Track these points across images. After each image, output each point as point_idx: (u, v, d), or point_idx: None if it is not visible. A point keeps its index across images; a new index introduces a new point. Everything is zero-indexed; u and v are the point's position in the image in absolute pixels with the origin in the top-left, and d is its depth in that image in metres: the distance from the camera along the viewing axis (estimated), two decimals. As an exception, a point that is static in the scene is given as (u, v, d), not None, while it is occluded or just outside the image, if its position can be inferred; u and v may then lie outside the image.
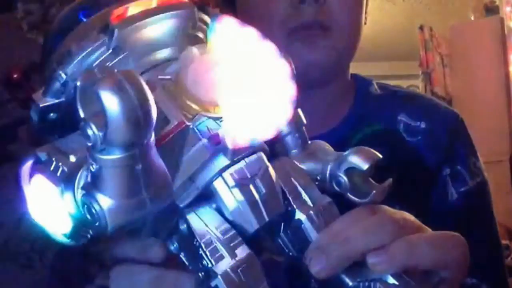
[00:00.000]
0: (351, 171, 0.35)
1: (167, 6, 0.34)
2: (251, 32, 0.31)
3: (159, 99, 0.31)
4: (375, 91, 0.74)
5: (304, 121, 0.39)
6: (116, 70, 0.27)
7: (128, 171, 0.28)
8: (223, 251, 0.31)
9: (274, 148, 0.37)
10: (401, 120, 0.71)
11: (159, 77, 0.33)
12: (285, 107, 0.31)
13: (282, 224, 0.35)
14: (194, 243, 0.32)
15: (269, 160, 0.34)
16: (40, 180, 0.31)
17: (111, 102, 0.26)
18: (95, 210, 0.29)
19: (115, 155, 0.27)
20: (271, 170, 0.34)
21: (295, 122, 0.38)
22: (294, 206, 0.34)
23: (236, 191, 0.32)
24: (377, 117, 0.70)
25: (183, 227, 0.33)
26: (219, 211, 0.33)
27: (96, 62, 0.33)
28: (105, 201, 0.28)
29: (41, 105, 0.33)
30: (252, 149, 0.33)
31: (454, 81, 3.02)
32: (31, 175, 0.31)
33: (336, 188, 0.36)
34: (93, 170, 0.28)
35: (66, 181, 0.30)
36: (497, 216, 0.72)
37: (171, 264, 0.36)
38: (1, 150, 0.58)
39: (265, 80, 0.31)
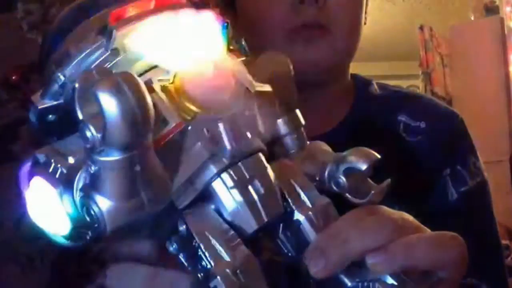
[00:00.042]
0: (350, 171, 0.35)
1: (166, 7, 0.34)
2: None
3: (157, 101, 0.31)
4: (375, 91, 0.74)
5: (303, 122, 0.39)
6: (114, 72, 0.27)
7: (127, 173, 0.28)
8: (222, 252, 0.31)
9: (272, 149, 0.37)
10: (401, 120, 0.71)
11: (158, 78, 0.33)
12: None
13: (281, 225, 0.35)
14: (193, 244, 0.32)
15: (267, 161, 0.34)
16: (39, 182, 0.31)
17: (109, 104, 0.26)
18: (94, 212, 0.29)
19: (114, 157, 0.27)
20: (270, 171, 0.34)
21: (293, 123, 0.38)
22: (293, 206, 0.34)
23: (235, 192, 0.32)
24: (377, 117, 0.71)
25: (182, 228, 0.33)
26: (218, 212, 0.33)
27: (95, 64, 0.33)
28: (103, 203, 0.28)
29: (39, 107, 0.33)
30: (250, 150, 0.33)
31: (454, 81, 3.02)
32: (30, 177, 0.31)
33: (335, 188, 0.36)
34: (91, 171, 0.28)
35: (65, 182, 0.30)
36: (497, 216, 0.72)
37: (168, 263, 0.36)
38: (1, 150, 0.58)
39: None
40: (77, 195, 0.30)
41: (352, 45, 0.69)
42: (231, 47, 0.37)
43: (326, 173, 0.36)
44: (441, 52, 3.14)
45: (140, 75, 0.33)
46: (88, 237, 0.31)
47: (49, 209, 0.31)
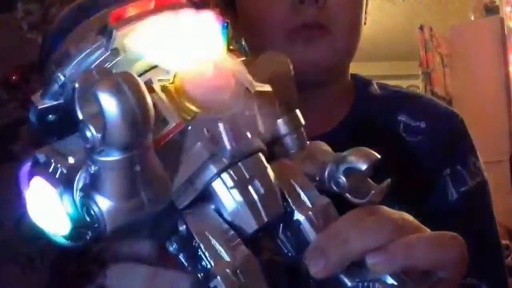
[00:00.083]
0: (350, 171, 0.35)
1: (165, 7, 0.34)
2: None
3: (157, 101, 0.31)
4: (375, 91, 0.74)
5: (303, 122, 0.39)
6: (114, 72, 0.27)
7: (127, 173, 0.28)
8: (222, 252, 0.31)
9: (272, 149, 0.37)
10: (401, 120, 0.71)
11: (158, 78, 0.33)
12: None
13: (281, 225, 0.35)
14: (193, 244, 0.32)
15: (267, 161, 0.34)
16: (39, 182, 0.31)
17: (109, 104, 0.26)
18: (94, 212, 0.29)
19: (114, 157, 0.27)
20: (270, 171, 0.34)
21: (293, 123, 0.38)
22: (293, 206, 0.34)
23: (235, 192, 0.32)
24: (377, 117, 0.71)
25: (182, 228, 0.33)
26: (218, 212, 0.33)
27: (95, 64, 0.33)
28: (103, 203, 0.28)
29: (39, 107, 0.33)
30: (250, 150, 0.33)
31: (454, 81, 3.02)
32: (30, 177, 0.31)
33: (335, 188, 0.36)
34: (91, 171, 0.28)
35: (65, 182, 0.30)
36: (497, 216, 0.72)
37: (168, 263, 0.36)
38: (1, 150, 0.58)
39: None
40: (77, 195, 0.30)
41: (352, 45, 0.69)
42: (231, 47, 0.37)
43: (326, 173, 0.36)
44: (441, 52, 3.14)
45: (140, 75, 0.33)
46: (88, 237, 0.31)
47: (49, 209, 0.31)
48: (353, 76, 0.75)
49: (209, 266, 0.31)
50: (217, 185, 0.33)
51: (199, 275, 0.32)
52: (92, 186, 0.29)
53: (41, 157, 0.31)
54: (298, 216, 0.34)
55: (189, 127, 0.32)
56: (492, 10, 2.98)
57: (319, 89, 0.68)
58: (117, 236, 0.30)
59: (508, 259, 2.03)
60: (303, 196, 0.35)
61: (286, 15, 0.64)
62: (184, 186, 0.32)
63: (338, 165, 0.36)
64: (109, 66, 0.32)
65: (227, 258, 0.31)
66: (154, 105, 0.28)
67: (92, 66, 0.32)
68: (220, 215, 0.33)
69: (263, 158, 0.34)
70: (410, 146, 0.69)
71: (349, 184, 0.35)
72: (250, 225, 0.33)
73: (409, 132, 0.70)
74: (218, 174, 0.32)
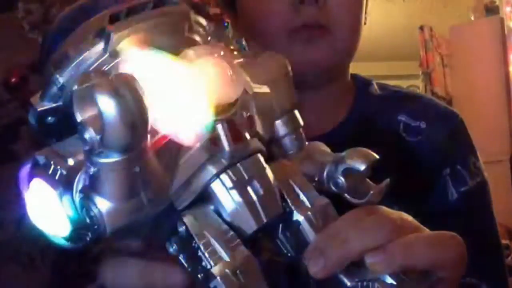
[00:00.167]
0: (348, 172, 0.35)
1: (163, 9, 0.34)
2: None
3: None
4: (375, 91, 0.74)
5: (301, 122, 0.39)
6: (112, 74, 0.27)
7: (126, 174, 0.28)
8: (221, 252, 0.31)
9: (271, 149, 0.37)
10: (401, 120, 0.71)
11: None
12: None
13: (280, 225, 0.35)
14: (193, 245, 0.32)
15: (266, 162, 0.34)
16: (38, 183, 0.31)
17: (107, 106, 0.26)
18: (94, 213, 0.29)
19: (113, 158, 0.27)
20: (269, 172, 0.34)
21: (292, 123, 0.38)
22: (292, 207, 0.35)
23: (234, 192, 0.32)
24: (377, 117, 0.71)
25: (181, 229, 0.33)
26: (217, 212, 0.33)
27: (93, 66, 0.33)
28: (103, 204, 0.28)
29: (38, 109, 0.34)
30: (249, 151, 0.33)
31: (454, 81, 3.02)
32: (29, 179, 0.31)
33: (334, 189, 0.36)
34: (90, 173, 0.28)
35: (65, 184, 0.30)
36: (497, 216, 0.72)
37: (161, 257, 0.36)
38: (2, 150, 0.58)
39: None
40: (77, 197, 0.30)
41: (352, 45, 0.69)
42: (231, 47, 0.37)
43: (325, 173, 0.36)
44: (441, 52, 3.15)
45: None
46: (88, 239, 0.31)
47: (49, 210, 0.31)
48: (353, 76, 0.75)
49: (208, 266, 0.31)
50: (216, 186, 0.33)
51: (199, 276, 0.32)
52: (92, 187, 0.29)
53: (41, 159, 0.31)
54: (297, 216, 0.34)
55: None
56: (492, 10, 2.99)
57: (319, 89, 0.68)
58: (117, 237, 0.31)
59: (508, 259, 2.04)
60: (302, 197, 0.35)
61: (286, 15, 0.64)
62: (183, 187, 0.32)
63: (337, 166, 0.36)
64: (107, 68, 0.33)
65: (226, 258, 0.31)
66: None
67: (91, 69, 0.32)
68: (220, 216, 0.33)
69: (262, 159, 0.34)
70: (410, 146, 0.70)
71: (348, 185, 0.35)
72: (250, 225, 0.33)
73: (409, 132, 0.70)
74: (217, 175, 0.32)
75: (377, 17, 3.41)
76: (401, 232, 0.35)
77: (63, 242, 0.32)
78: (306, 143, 0.39)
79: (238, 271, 0.31)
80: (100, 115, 0.26)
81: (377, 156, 0.35)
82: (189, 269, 0.33)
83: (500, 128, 2.71)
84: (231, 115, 0.33)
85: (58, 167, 0.30)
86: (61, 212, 0.30)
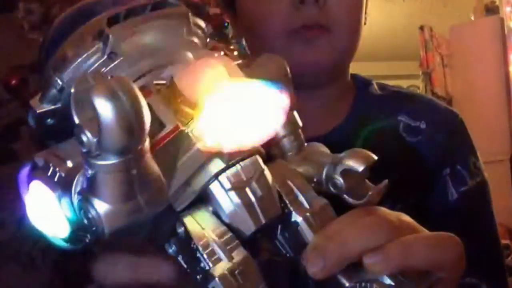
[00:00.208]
0: (347, 172, 0.35)
1: (161, 11, 0.35)
2: None
3: (154, 104, 0.31)
4: (375, 91, 0.74)
5: (300, 123, 0.39)
6: (109, 77, 0.27)
7: (123, 176, 0.28)
8: (220, 253, 0.31)
9: (270, 151, 0.37)
10: (401, 120, 0.71)
11: (154, 82, 0.33)
12: (276, 114, 0.31)
13: (279, 226, 0.35)
14: (192, 246, 0.32)
15: (265, 163, 0.34)
16: (37, 185, 0.31)
17: (104, 109, 0.26)
18: (92, 215, 0.29)
19: (110, 161, 0.27)
20: (267, 173, 0.34)
21: (291, 125, 0.38)
22: (291, 208, 0.35)
23: (232, 194, 0.33)
24: (377, 117, 0.71)
25: (180, 230, 0.33)
26: (216, 214, 0.33)
27: (92, 68, 0.33)
28: (101, 206, 0.28)
29: (38, 111, 0.34)
30: (248, 153, 0.33)
31: (454, 81, 3.02)
32: (29, 181, 0.31)
33: (333, 189, 0.36)
34: (88, 175, 0.28)
35: (63, 186, 0.30)
36: (497, 216, 0.72)
37: (150, 250, 0.36)
38: (3, 150, 0.58)
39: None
40: (75, 199, 0.30)
41: (352, 45, 0.69)
42: (231, 47, 0.37)
43: (324, 174, 0.36)
44: (441, 52, 3.15)
45: (137, 79, 0.33)
46: (87, 240, 0.31)
47: (48, 212, 0.31)
48: (353, 76, 0.75)
49: (207, 267, 0.31)
50: (214, 187, 0.33)
51: (197, 277, 0.32)
52: (90, 189, 0.29)
53: (40, 161, 0.31)
54: (295, 217, 0.34)
55: (186, 130, 0.32)
56: (492, 10, 2.99)
57: (319, 89, 0.68)
58: (116, 238, 0.31)
59: (508, 259, 2.04)
60: (300, 198, 0.35)
61: (286, 15, 0.64)
62: (182, 188, 0.32)
63: (335, 166, 0.36)
64: (106, 70, 0.33)
65: (225, 259, 0.31)
66: (151, 108, 0.28)
67: (89, 71, 0.32)
68: (218, 217, 0.33)
69: (260, 160, 0.34)
70: (410, 146, 0.70)
71: (346, 185, 0.35)
72: (248, 226, 0.33)
73: (409, 132, 0.70)
74: (216, 177, 0.33)
75: (377, 17, 3.41)
76: (399, 233, 0.35)
77: (62, 244, 0.32)
78: (305, 144, 0.39)
79: (236, 272, 0.31)
80: (97, 118, 0.26)
81: (376, 157, 0.35)
82: (188, 270, 0.33)
83: (500, 128, 2.71)
84: None
85: (57, 169, 0.30)
86: (60, 214, 0.30)
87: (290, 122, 0.38)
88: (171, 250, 0.34)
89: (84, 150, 0.27)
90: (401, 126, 0.71)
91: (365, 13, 0.71)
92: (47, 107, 0.34)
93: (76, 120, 0.29)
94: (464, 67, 2.91)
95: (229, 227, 0.33)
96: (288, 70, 0.38)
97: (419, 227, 0.37)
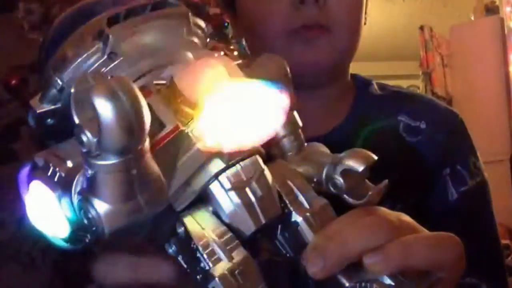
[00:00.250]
0: (347, 172, 0.35)
1: (161, 11, 0.35)
2: None
3: (154, 104, 0.31)
4: (375, 91, 0.74)
5: (300, 124, 0.39)
6: (109, 77, 0.27)
7: (123, 176, 0.28)
8: (220, 253, 0.31)
9: (270, 151, 0.37)
10: (401, 120, 0.71)
11: (154, 82, 0.33)
12: (276, 114, 0.31)
13: (279, 226, 0.35)
14: (192, 246, 0.32)
15: (265, 163, 0.34)
16: (37, 185, 0.31)
17: (104, 109, 0.26)
18: (92, 215, 0.29)
19: (110, 161, 0.27)
20: (267, 173, 0.34)
21: (291, 125, 0.38)
22: (291, 208, 0.35)
23: (232, 194, 0.33)
24: (377, 117, 0.71)
25: (180, 230, 0.33)
26: (216, 214, 0.33)
27: (92, 68, 0.33)
28: (101, 206, 0.28)
29: (38, 111, 0.34)
30: (248, 153, 0.33)
31: (454, 81, 3.02)
32: (29, 181, 0.32)
33: (333, 190, 0.36)
34: (88, 175, 0.28)
35: (63, 186, 0.30)
36: (497, 216, 0.72)
37: (149, 250, 0.36)
38: (3, 150, 0.58)
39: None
40: (75, 199, 0.30)
41: (352, 45, 0.69)
42: (231, 47, 0.37)
43: (324, 174, 0.36)
44: (441, 52, 3.15)
45: (137, 79, 0.33)
46: (87, 240, 0.31)
47: (48, 212, 0.31)
48: (353, 76, 0.75)
49: (207, 267, 0.31)
50: (214, 187, 0.33)
51: (197, 277, 0.32)
52: (89, 189, 0.29)
53: (40, 161, 0.31)
54: (295, 217, 0.34)
55: (186, 130, 0.32)
56: (492, 10, 2.99)
57: (319, 89, 0.69)
58: (116, 238, 0.31)
59: (508, 259, 2.04)
60: (300, 198, 0.35)
61: (286, 15, 0.64)
62: (182, 188, 0.32)
63: (335, 167, 0.36)
64: (106, 70, 0.33)
65: (225, 259, 0.31)
66: (151, 108, 0.28)
67: (89, 71, 0.32)
68: (218, 217, 0.33)
69: (260, 160, 0.34)
70: (410, 146, 0.70)
71: (346, 185, 0.35)
72: (248, 227, 0.33)
73: (409, 132, 0.70)
74: (216, 177, 0.33)
75: (377, 17, 3.42)
76: (399, 233, 0.35)
77: (62, 244, 0.32)
78: (305, 144, 0.39)
79: (236, 272, 0.31)
80: (97, 118, 0.26)
81: (376, 157, 0.35)
82: (188, 270, 0.33)
83: (500, 128, 2.71)
84: None
85: (57, 169, 0.30)
86: (60, 214, 0.31)
87: (290, 122, 0.38)
88: (171, 250, 0.34)
89: (84, 150, 0.27)
90: (401, 126, 0.71)
91: (365, 13, 0.71)
92: (47, 107, 0.34)
93: (76, 120, 0.29)
94: (464, 67, 2.91)
95: (229, 227, 0.33)
96: (288, 70, 0.38)
97: (419, 227, 0.37)
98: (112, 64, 0.33)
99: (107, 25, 0.33)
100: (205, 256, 0.31)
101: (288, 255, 0.36)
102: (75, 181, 0.30)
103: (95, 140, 0.26)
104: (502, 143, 2.68)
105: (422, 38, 3.13)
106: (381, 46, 3.84)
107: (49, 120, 0.34)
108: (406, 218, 0.37)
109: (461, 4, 3.32)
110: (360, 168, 0.35)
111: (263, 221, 0.33)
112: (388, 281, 0.33)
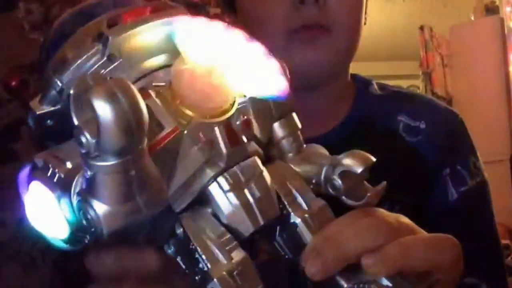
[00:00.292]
0: (346, 174, 0.35)
1: (161, 13, 0.35)
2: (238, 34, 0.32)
3: (153, 106, 0.31)
4: (375, 91, 0.74)
5: (299, 125, 0.39)
6: (108, 78, 0.27)
7: (122, 177, 0.28)
8: (218, 254, 0.32)
9: (269, 152, 0.37)
10: (401, 120, 0.71)
11: (154, 83, 0.33)
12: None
13: (278, 227, 0.35)
14: (190, 247, 0.32)
15: (264, 164, 0.35)
16: (37, 186, 0.31)
17: (103, 110, 0.26)
18: (91, 216, 0.29)
19: (109, 162, 0.27)
20: (266, 174, 0.34)
21: (290, 126, 0.38)
22: (289, 209, 0.35)
23: (231, 195, 0.33)
24: (377, 117, 0.71)
25: (179, 231, 0.33)
26: (215, 215, 0.33)
27: (91, 70, 0.33)
28: (99, 207, 0.29)
29: (37, 113, 0.34)
30: (246, 154, 0.33)
31: (454, 81, 3.02)
32: (28, 182, 0.32)
33: (331, 191, 0.36)
34: (87, 176, 0.28)
35: (63, 187, 0.30)
36: (497, 216, 0.72)
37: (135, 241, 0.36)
38: (3, 150, 0.58)
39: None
40: (74, 199, 0.30)
41: (352, 45, 0.69)
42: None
43: (322, 175, 0.36)
44: (441, 52, 3.15)
45: (136, 80, 0.33)
46: (86, 241, 0.31)
47: (47, 213, 0.31)
48: (353, 76, 0.75)
49: (206, 268, 0.31)
50: (213, 188, 0.33)
51: (196, 278, 0.32)
52: (89, 190, 0.29)
53: (39, 162, 0.31)
54: (294, 218, 0.35)
55: (185, 132, 0.32)
56: (492, 10, 2.99)
57: (319, 89, 0.69)
58: (115, 239, 0.31)
59: (508, 259, 2.04)
60: (299, 199, 0.35)
61: (286, 15, 0.64)
62: (181, 189, 0.32)
63: (334, 168, 0.36)
64: (105, 72, 0.33)
65: (223, 260, 0.31)
66: (150, 110, 0.28)
67: (89, 72, 0.33)
68: (217, 218, 0.33)
69: (259, 162, 0.34)
70: (410, 146, 0.70)
71: (345, 187, 0.35)
72: (247, 228, 0.33)
73: (409, 132, 0.70)
74: (214, 178, 0.33)
75: (377, 17, 3.42)
76: (397, 234, 0.35)
77: (62, 244, 0.32)
78: (304, 145, 0.39)
79: (235, 273, 0.31)
80: (96, 119, 0.26)
81: (374, 159, 0.35)
82: (187, 271, 0.33)
83: (500, 128, 2.71)
84: (228, 119, 0.33)
85: (56, 170, 0.31)
86: (59, 214, 0.31)
87: (289, 123, 0.38)
88: (170, 251, 0.34)
89: (83, 151, 0.27)
90: (401, 126, 0.71)
91: (365, 13, 0.71)
92: (46, 108, 0.34)
93: (75, 121, 0.29)
94: (464, 67, 2.91)
95: (228, 228, 0.33)
96: (287, 69, 0.38)
97: (417, 229, 0.37)
98: (112, 66, 0.33)
99: (107, 27, 0.33)
100: (203, 257, 0.31)
101: (286, 256, 0.36)
102: (74, 182, 0.30)
103: (94, 141, 0.27)
104: (502, 143, 2.68)
105: (422, 38, 3.13)
106: (381, 46, 3.84)
107: (48, 121, 0.34)
108: (405, 219, 0.37)
109: (461, 4, 3.32)
110: (359, 169, 0.35)
111: (262, 222, 0.33)
112: (386, 282, 0.33)
